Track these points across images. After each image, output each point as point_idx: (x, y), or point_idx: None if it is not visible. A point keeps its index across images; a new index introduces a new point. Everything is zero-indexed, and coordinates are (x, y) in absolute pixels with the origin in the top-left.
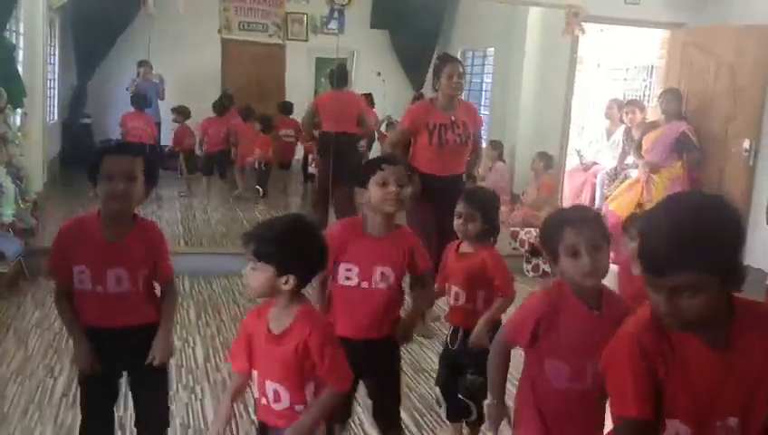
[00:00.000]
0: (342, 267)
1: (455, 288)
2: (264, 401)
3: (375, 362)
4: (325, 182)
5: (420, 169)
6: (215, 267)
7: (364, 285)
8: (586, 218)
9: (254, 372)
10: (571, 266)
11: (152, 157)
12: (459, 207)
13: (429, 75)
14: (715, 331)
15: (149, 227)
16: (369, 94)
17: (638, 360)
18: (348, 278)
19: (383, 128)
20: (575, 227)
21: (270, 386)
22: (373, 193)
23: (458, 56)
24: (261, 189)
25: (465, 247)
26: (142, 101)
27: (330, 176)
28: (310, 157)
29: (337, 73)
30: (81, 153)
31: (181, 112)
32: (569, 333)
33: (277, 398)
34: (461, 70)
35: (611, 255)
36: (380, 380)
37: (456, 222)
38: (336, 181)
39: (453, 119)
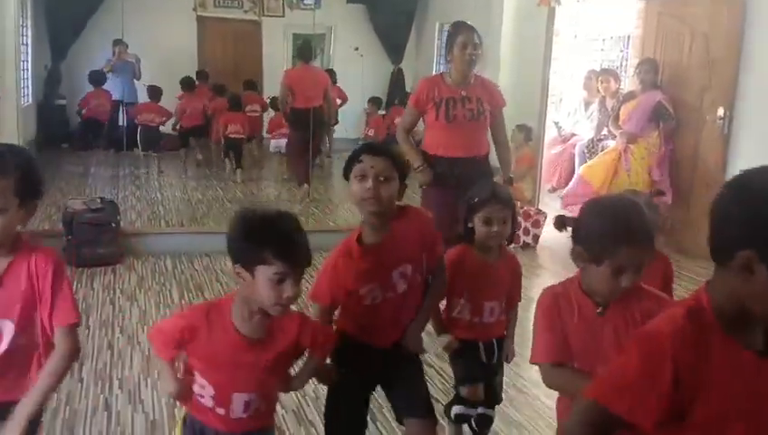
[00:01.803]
0: (364, 290)
1: (490, 304)
2: (221, 411)
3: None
4: (304, 157)
5: (430, 151)
6: (196, 246)
7: (389, 295)
8: (647, 239)
9: (204, 383)
10: (606, 282)
11: (27, 167)
12: (490, 211)
13: (408, 50)
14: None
15: (42, 254)
16: (332, 71)
17: (667, 365)
18: (374, 299)
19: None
20: (635, 248)
21: (239, 398)
22: (352, 189)
23: (435, 30)
24: (229, 164)
25: (488, 256)
26: (100, 77)
27: (309, 150)
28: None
29: (304, 48)
30: (56, 135)
31: (149, 92)
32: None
33: (246, 408)
34: (476, 40)
35: None
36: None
37: (489, 230)
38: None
39: (464, 93)
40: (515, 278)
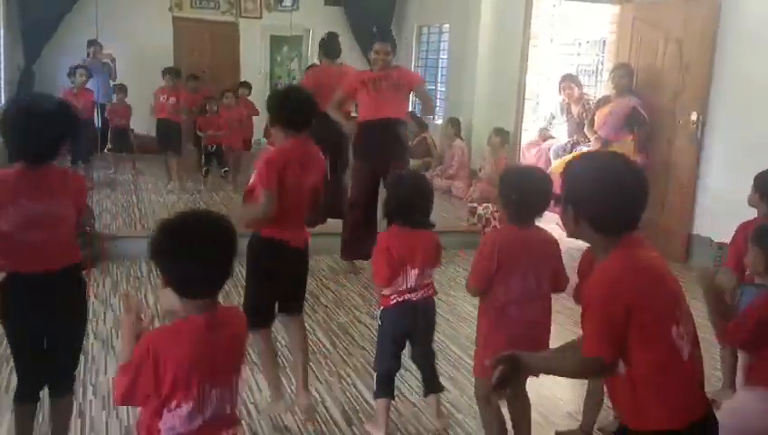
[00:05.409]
0: None
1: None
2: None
3: None
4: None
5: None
6: None
7: None
8: None
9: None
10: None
11: None
12: None
13: None
14: None
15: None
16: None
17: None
18: None
19: None
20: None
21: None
22: None
23: (414, 32)
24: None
25: None
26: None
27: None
28: None
29: (328, 43)
30: None
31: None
32: None
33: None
34: (388, 48)
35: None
36: None
37: None
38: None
39: (382, 74)
40: None
